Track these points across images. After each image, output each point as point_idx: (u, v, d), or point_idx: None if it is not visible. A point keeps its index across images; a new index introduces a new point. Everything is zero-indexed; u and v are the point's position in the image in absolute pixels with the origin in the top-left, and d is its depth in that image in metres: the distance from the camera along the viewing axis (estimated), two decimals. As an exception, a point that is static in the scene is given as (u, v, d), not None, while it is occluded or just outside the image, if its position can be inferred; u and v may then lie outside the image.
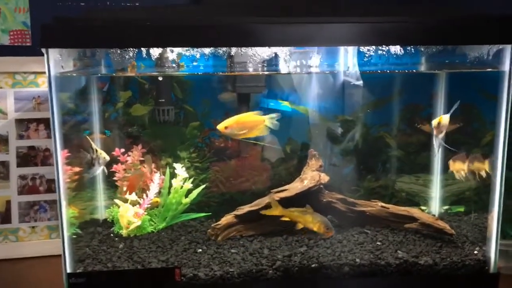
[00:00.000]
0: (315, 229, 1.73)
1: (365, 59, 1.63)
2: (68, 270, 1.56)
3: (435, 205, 2.07)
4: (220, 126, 1.72)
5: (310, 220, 1.74)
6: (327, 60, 1.80)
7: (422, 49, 1.67)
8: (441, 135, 1.76)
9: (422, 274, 1.64)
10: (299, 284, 1.62)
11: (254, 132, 1.75)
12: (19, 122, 1.94)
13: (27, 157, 1.95)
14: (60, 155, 1.51)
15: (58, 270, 1.59)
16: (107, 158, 1.75)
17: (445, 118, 1.74)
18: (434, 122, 1.76)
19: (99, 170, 1.76)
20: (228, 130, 1.72)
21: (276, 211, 1.78)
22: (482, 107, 2.01)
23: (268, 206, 1.81)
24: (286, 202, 1.80)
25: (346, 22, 1.48)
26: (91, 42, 1.44)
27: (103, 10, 1.90)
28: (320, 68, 1.80)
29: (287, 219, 1.77)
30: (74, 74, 1.72)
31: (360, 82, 1.88)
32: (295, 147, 2.07)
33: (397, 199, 2.04)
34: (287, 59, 1.68)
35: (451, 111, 1.73)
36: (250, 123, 1.73)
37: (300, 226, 1.76)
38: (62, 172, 1.53)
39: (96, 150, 1.71)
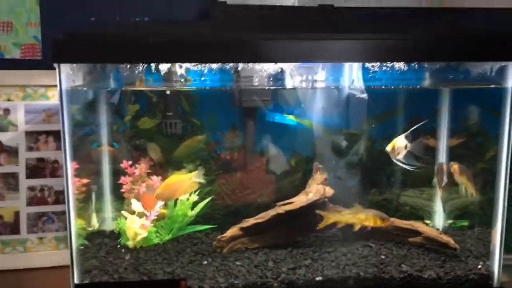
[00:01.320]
0: (371, 224, 1.71)
1: (369, 75, 1.66)
2: (76, 281, 1.58)
3: (439, 219, 2.08)
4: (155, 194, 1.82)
5: (364, 218, 1.71)
6: (332, 75, 1.83)
7: (426, 65, 1.70)
8: (400, 156, 1.72)
9: (426, 288, 1.65)
10: (303, 296, 1.64)
11: (184, 190, 1.83)
12: (29, 134, 1.97)
13: (36, 169, 1.98)
14: (70, 166, 1.54)
15: (65, 281, 1.61)
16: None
17: (398, 142, 1.71)
18: (389, 147, 1.72)
19: None
20: (161, 197, 1.83)
21: (330, 219, 1.75)
22: (485, 122, 2.03)
23: (273, 219, 1.83)
24: (290, 215, 1.81)
25: (349, 39, 1.51)
26: (102, 57, 1.48)
27: (113, 26, 1.94)
28: (325, 83, 1.82)
29: (342, 224, 1.74)
30: (85, 89, 1.75)
31: (365, 95, 1.89)
32: (300, 161, 2.09)
33: (401, 212, 2.05)
34: (293, 74, 1.71)
35: (409, 131, 1.72)
36: (177, 184, 1.81)
37: (357, 226, 1.71)
38: (72, 184, 1.56)
39: None
